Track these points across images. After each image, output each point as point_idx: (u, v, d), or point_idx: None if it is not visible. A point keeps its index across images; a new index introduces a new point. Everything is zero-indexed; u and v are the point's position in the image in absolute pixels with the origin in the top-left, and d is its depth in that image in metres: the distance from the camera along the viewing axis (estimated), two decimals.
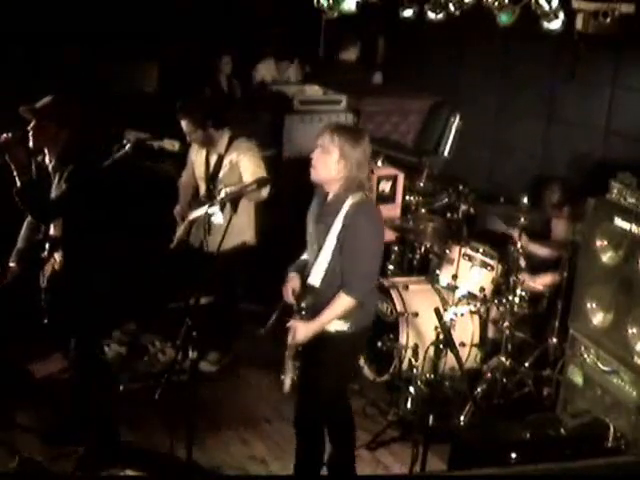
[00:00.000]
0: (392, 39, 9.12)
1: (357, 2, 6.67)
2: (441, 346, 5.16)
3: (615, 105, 6.81)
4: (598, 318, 4.92)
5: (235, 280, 6.03)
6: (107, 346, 5.96)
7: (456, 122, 7.89)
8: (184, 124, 5.88)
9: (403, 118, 8.52)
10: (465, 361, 5.47)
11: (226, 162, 5.90)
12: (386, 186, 7.61)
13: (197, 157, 6.11)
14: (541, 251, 5.96)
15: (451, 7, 6.10)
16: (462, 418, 5.34)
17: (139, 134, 6.00)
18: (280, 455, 5.11)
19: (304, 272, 4.40)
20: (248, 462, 5.05)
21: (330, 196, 4.28)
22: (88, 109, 6.87)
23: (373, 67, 9.37)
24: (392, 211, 7.64)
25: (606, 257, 4.86)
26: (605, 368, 4.84)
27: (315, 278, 4.28)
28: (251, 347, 6.26)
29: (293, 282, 4.40)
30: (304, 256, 4.51)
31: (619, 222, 4.74)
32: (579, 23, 5.74)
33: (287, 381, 4.37)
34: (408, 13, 6.51)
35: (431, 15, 6.25)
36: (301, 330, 4.24)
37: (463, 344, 5.61)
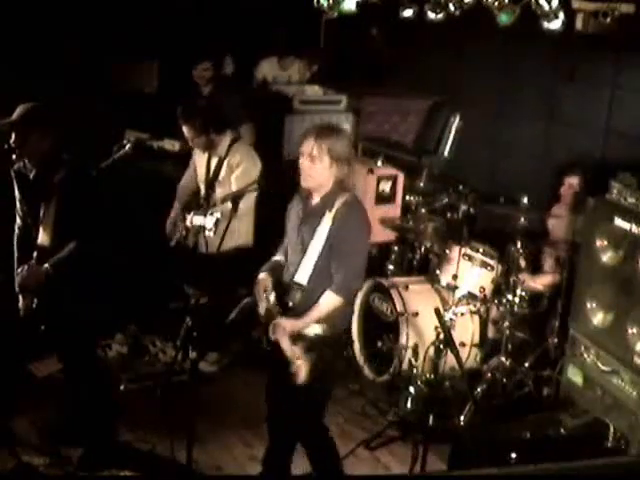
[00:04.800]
0: (392, 39, 9.12)
1: (357, 2, 6.67)
2: (441, 346, 5.18)
3: (615, 105, 6.80)
4: (598, 318, 4.91)
5: (235, 281, 6.03)
6: (108, 346, 5.97)
7: (456, 122, 7.88)
8: (186, 130, 5.91)
9: (403, 118, 8.51)
10: (465, 361, 5.47)
11: (225, 165, 5.92)
12: (386, 186, 7.61)
13: (199, 160, 6.13)
14: (540, 282, 5.89)
15: (451, 7, 6.10)
16: (462, 418, 5.34)
17: (139, 134, 6.01)
18: None
19: (278, 272, 4.36)
20: (248, 462, 5.05)
21: (316, 198, 4.25)
22: (88, 109, 6.91)
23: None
24: (392, 211, 7.63)
25: (606, 257, 4.86)
26: (605, 368, 4.84)
27: (302, 276, 4.24)
28: (251, 347, 6.28)
29: (264, 282, 4.32)
30: (277, 257, 4.47)
31: (619, 222, 4.74)
32: (579, 23, 5.74)
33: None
34: (408, 13, 6.51)
35: (431, 15, 6.26)
36: (286, 326, 4.13)
37: (463, 344, 5.61)
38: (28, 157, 4.68)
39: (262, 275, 4.36)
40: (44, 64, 7.37)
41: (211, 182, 6.02)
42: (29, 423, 5.14)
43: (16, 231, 4.92)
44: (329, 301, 4.17)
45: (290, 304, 4.22)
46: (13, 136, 4.61)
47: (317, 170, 4.14)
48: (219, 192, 5.95)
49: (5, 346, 5.47)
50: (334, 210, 4.16)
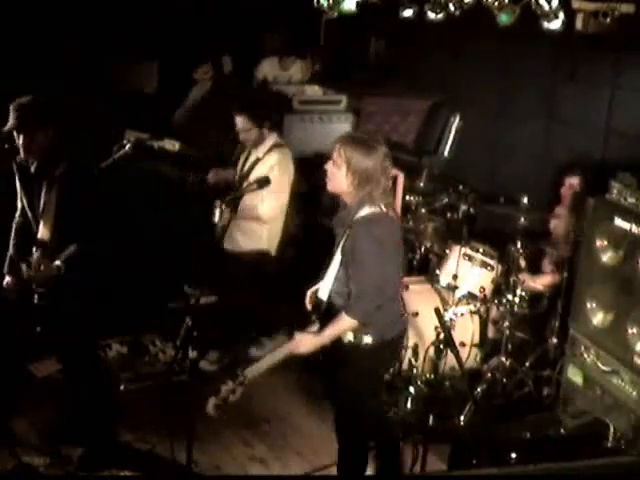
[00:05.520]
0: (392, 39, 9.12)
1: (357, 2, 6.67)
2: (441, 346, 5.18)
3: (615, 105, 6.80)
4: (598, 318, 4.91)
5: (248, 283, 6.02)
6: (108, 346, 5.97)
7: (456, 122, 7.88)
8: (241, 121, 5.83)
9: (403, 118, 8.51)
10: (465, 361, 5.47)
11: (260, 166, 5.89)
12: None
13: (241, 157, 6.11)
14: (540, 282, 5.89)
15: (451, 7, 6.10)
16: (462, 418, 5.34)
17: (139, 134, 6.00)
18: (280, 455, 5.12)
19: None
20: (248, 462, 5.06)
21: (346, 209, 4.22)
22: (88, 109, 6.91)
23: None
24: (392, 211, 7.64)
25: (606, 257, 4.86)
26: (605, 368, 4.84)
27: (323, 292, 4.26)
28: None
29: (311, 295, 4.39)
30: None
31: (619, 222, 4.73)
32: (579, 23, 5.74)
33: (211, 402, 4.11)
34: (408, 13, 6.51)
35: (431, 15, 6.26)
36: (305, 342, 4.15)
37: (463, 344, 5.61)
38: (34, 153, 4.67)
39: (312, 289, 4.41)
40: (44, 64, 7.37)
41: (243, 178, 5.99)
42: (29, 423, 5.14)
43: (14, 224, 4.91)
44: (341, 322, 4.12)
45: (313, 318, 4.23)
46: (20, 138, 4.59)
47: (335, 175, 4.13)
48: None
49: (5, 346, 5.48)
50: (352, 225, 4.12)
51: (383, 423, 4.63)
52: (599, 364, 4.87)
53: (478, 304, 5.77)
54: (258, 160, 5.91)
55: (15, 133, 4.60)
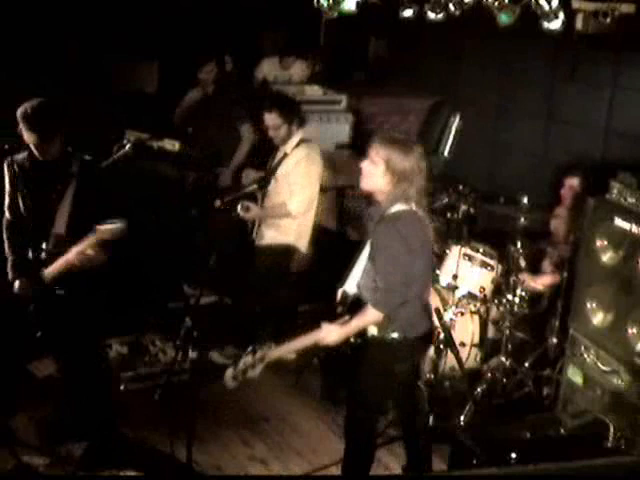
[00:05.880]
0: (392, 39, 9.12)
1: (357, 2, 6.66)
2: (441, 346, 5.18)
3: (615, 105, 6.81)
4: (598, 318, 4.91)
5: (272, 277, 6.04)
6: (108, 346, 5.97)
7: (456, 122, 7.89)
8: (272, 117, 5.85)
9: (403, 118, 8.52)
10: (465, 361, 5.47)
11: (288, 162, 5.91)
12: None
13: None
14: (540, 282, 5.89)
15: (451, 7, 6.09)
16: (462, 418, 5.34)
17: (139, 134, 6.00)
18: (280, 455, 5.12)
19: None
20: (248, 462, 5.05)
21: (377, 206, 4.28)
22: (88, 109, 6.91)
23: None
24: None
25: (606, 257, 4.86)
26: (605, 368, 4.84)
27: (351, 285, 4.32)
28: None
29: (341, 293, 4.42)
30: None
31: (619, 222, 4.73)
32: (579, 23, 5.73)
33: (229, 372, 4.20)
34: (408, 13, 6.50)
35: (431, 15, 6.25)
36: (331, 333, 4.21)
37: (463, 344, 5.61)
38: (52, 154, 4.68)
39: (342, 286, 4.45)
40: (44, 64, 7.37)
41: (270, 174, 6.01)
42: (29, 423, 5.14)
43: (5, 225, 4.86)
44: (367, 315, 4.17)
45: (339, 310, 4.28)
46: (38, 143, 4.59)
47: (372, 174, 4.18)
48: (272, 186, 5.95)
49: (5, 346, 5.48)
50: (381, 221, 4.18)
51: (370, 418, 4.58)
52: (599, 364, 4.88)
53: (478, 304, 5.77)
54: (286, 156, 5.94)
55: (31, 138, 4.59)
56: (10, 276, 4.78)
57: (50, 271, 4.64)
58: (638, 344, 4.64)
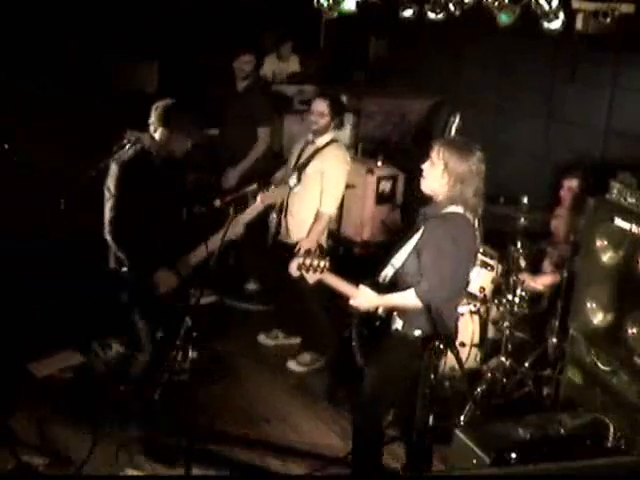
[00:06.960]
0: (392, 39, 9.13)
1: (357, 2, 6.66)
2: (441, 346, 5.17)
3: (615, 105, 6.81)
4: (598, 318, 4.91)
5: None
6: (108, 346, 5.96)
7: (456, 122, 7.88)
8: (322, 104, 5.90)
9: (403, 118, 8.52)
10: (465, 361, 5.47)
11: (320, 157, 5.92)
12: (386, 186, 7.63)
13: (295, 147, 6.16)
14: (540, 282, 5.89)
15: (451, 7, 6.09)
16: (462, 418, 5.34)
17: (139, 134, 6.00)
18: (280, 455, 5.11)
19: None
20: (248, 462, 5.05)
21: (432, 205, 4.37)
22: (88, 109, 6.91)
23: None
24: (392, 211, 7.65)
25: (606, 257, 4.86)
26: (605, 368, 4.84)
27: (389, 271, 4.40)
28: (251, 347, 6.28)
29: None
30: None
31: (619, 222, 4.73)
32: (579, 23, 5.73)
33: (296, 261, 4.36)
34: (408, 13, 6.50)
35: (431, 15, 6.25)
36: (366, 296, 4.33)
37: (463, 344, 5.61)
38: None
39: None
40: (44, 64, 7.38)
41: (299, 171, 5.98)
42: (29, 423, 5.14)
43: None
44: (407, 299, 4.27)
45: (380, 279, 4.40)
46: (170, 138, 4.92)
47: (432, 174, 4.27)
48: (302, 181, 5.95)
49: (5, 346, 5.48)
50: (432, 219, 4.28)
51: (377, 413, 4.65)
52: (599, 364, 4.87)
53: (478, 304, 5.77)
54: (318, 151, 5.94)
55: (164, 134, 4.91)
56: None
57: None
58: (638, 344, 4.64)
